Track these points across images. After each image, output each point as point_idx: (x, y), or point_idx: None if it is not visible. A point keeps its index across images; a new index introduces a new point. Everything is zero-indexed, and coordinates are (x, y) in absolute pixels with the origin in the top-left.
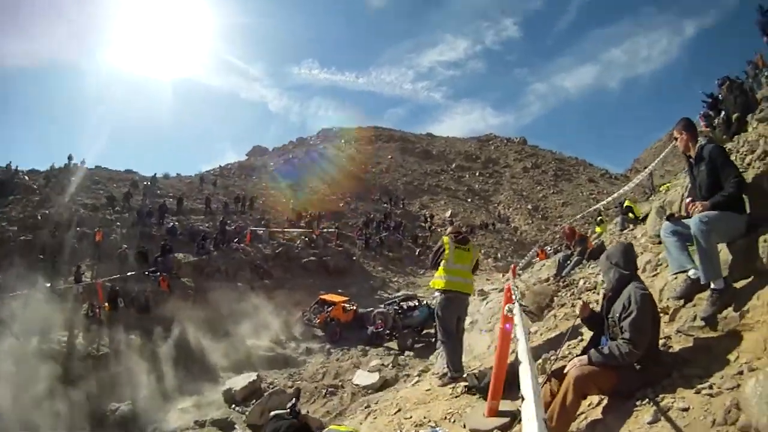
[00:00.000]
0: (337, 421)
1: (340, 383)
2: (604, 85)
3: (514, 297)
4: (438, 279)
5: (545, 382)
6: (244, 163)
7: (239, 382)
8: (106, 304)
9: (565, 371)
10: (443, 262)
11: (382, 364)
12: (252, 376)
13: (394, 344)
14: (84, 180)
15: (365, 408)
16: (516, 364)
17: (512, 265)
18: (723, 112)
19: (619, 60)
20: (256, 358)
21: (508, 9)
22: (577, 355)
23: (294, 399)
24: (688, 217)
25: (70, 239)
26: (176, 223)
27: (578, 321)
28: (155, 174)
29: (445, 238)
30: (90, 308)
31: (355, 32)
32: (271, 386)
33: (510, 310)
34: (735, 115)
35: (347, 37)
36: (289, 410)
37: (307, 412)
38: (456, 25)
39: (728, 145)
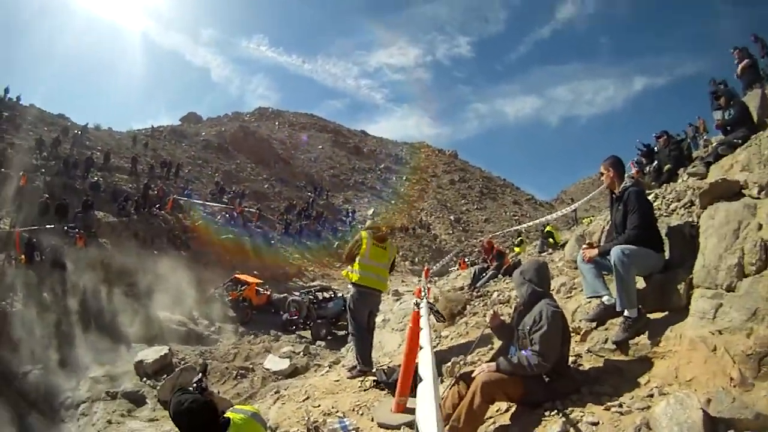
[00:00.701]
0: (248, 404)
1: (251, 366)
2: (544, 118)
3: (422, 295)
4: (352, 272)
5: (454, 384)
6: (176, 128)
7: (151, 354)
8: (23, 256)
9: (473, 375)
10: (359, 257)
11: (294, 351)
12: (164, 349)
13: (307, 333)
14: (17, 118)
15: (275, 393)
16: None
17: (425, 268)
18: (656, 162)
19: (563, 98)
20: (168, 331)
21: (468, 28)
22: (486, 362)
23: (200, 374)
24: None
25: None
26: (100, 179)
27: (489, 330)
28: (87, 124)
29: (363, 233)
30: (7, 258)
31: (311, 16)
32: (182, 362)
33: (417, 304)
34: (667, 167)
35: (303, 20)
36: (195, 385)
37: (218, 392)
38: (412, 31)
39: (655, 191)
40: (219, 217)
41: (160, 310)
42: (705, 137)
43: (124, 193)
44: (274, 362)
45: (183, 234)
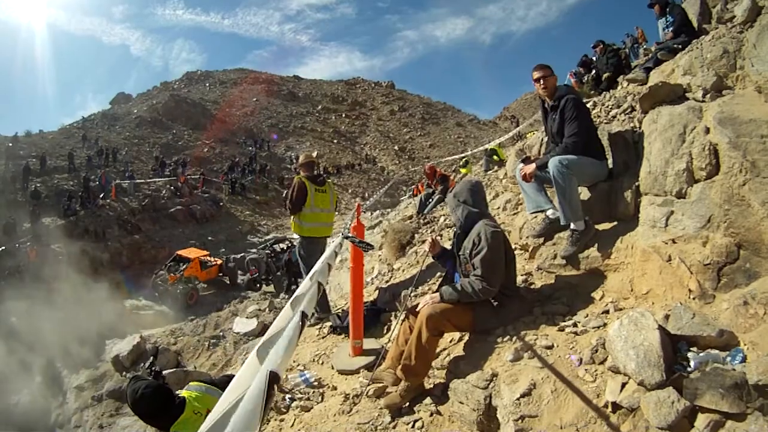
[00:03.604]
0: (223, 372)
1: (221, 333)
2: (477, 37)
3: (342, 232)
4: (298, 224)
5: (404, 320)
6: (107, 113)
7: (124, 346)
8: None
9: (417, 309)
10: (304, 207)
11: (259, 310)
12: (135, 338)
13: (271, 288)
14: None
15: (244, 356)
16: (377, 302)
17: (357, 204)
18: (594, 71)
19: (494, 16)
20: (137, 317)
21: None
22: (432, 292)
23: (151, 357)
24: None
25: None
26: (38, 185)
27: (432, 259)
28: (16, 133)
29: (306, 182)
30: None
31: None
32: (155, 345)
33: (340, 245)
34: (605, 75)
35: None
36: (148, 371)
37: (194, 367)
38: None
39: (595, 99)
40: (164, 191)
41: (125, 299)
42: (645, 46)
43: (66, 193)
44: (243, 324)
45: (132, 217)
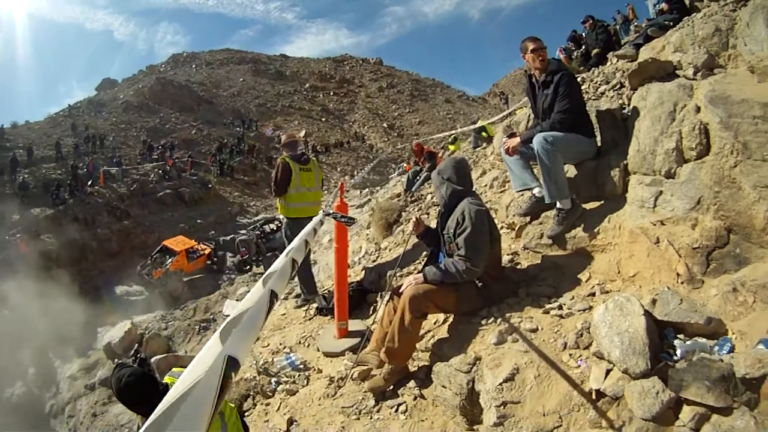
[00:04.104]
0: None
1: (211, 317)
2: (465, 12)
3: (324, 209)
4: (284, 206)
5: (388, 301)
6: (93, 99)
7: (116, 333)
8: None
9: (400, 291)
10: (290, 187)
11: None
12: (126, 324)
13: (261, 269)
14: None
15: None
16: (363, 281)
17: (340, 183)
18: (584, 47)
19: None
20: (128, 304)
21: None
22: (416, 272)
23: (136, 344)
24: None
25: None
26: (25, 176)
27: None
28: (2, 125)
29: (290, 162)
30: None
31: None
32: (147, 331)
33: (321, 222)
34: (595, 51)
35: None
36: (132, 358)
37: (185, 351)
38: None
39: (583, 75)
40: (153, 175)
41: (116, 285)
42: (636, 23)
43: (54, 182)
44: (232, 307)
45: (121, 203)
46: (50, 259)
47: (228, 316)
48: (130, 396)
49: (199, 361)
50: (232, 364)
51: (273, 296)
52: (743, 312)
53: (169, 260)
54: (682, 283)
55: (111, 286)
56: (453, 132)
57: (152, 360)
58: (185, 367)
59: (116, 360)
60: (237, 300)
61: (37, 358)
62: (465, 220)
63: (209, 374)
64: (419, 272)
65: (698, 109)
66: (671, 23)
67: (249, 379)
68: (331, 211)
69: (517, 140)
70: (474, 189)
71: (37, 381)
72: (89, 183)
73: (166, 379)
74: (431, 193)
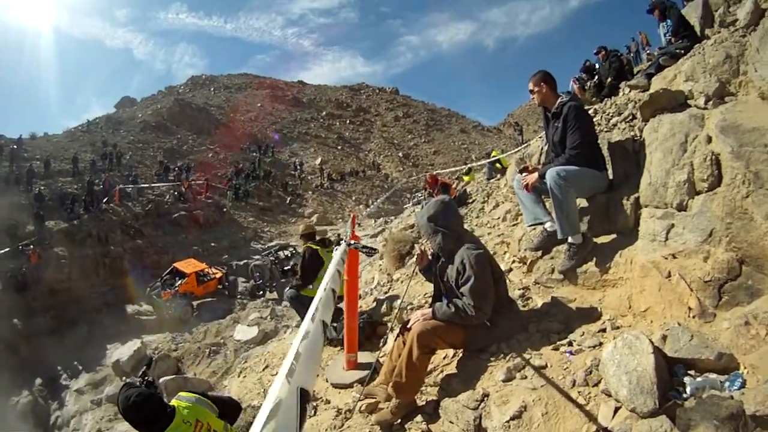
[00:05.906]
0: (222, 381)
1: (222, 341)
2: (480, 42)
3: (343, 240)
4: (311, 288)
5: (398, 336)
6: (111, 116)
7: (125, 351)
8: None
9: (408, 326)
10: (321, 270)
11: (261, 317)
12: (136, 343)
13: (274, 295)
14: None
15: (243, 364)
16: (375, 313)
17: (352, 214)
18: (596, 77)
19: (497, 20)
20: (137, 323)
21: None
22: (425, 307)
23: (145, 367)
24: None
25: None
26: (41, 188)
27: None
28: (21, 136)
29: (317, 248)
30: None
31: None
32: (156, 351)
33: (345, 251)
34: (608, 81)
35: None
36: (141, 379)
37: (194, 374)
38: None
39: (596, 107)
40: (168, 196)
41: (127, 304)
42: (648, 51)
43: (69, 196)
44: (243, 332)
45: (135, 222)
46: (61, 272)
47: (239, 340)
48: (136, 416)
49: (272, 399)
50: (304, 395)
51: (324, 326)
52: (755, 345)
53: (179, 282)
54: (693, 317)
55: (122, 305)
56: (468, 166)
57: (160, 381)
58: (193, 391)
59: (124, 378)
60: (248, 326)
61: (47, 369)
62: (466, 269)
63: (286, 407)
64: (429, 306)
65: (709, 139)
66: (683, 51)
67: (256, 407)
68: (353, 242)
69: (535, 176)
70: (465, 226)
71: (43, 392)
72: (104, 200)
73: (174, 402)
74: None
